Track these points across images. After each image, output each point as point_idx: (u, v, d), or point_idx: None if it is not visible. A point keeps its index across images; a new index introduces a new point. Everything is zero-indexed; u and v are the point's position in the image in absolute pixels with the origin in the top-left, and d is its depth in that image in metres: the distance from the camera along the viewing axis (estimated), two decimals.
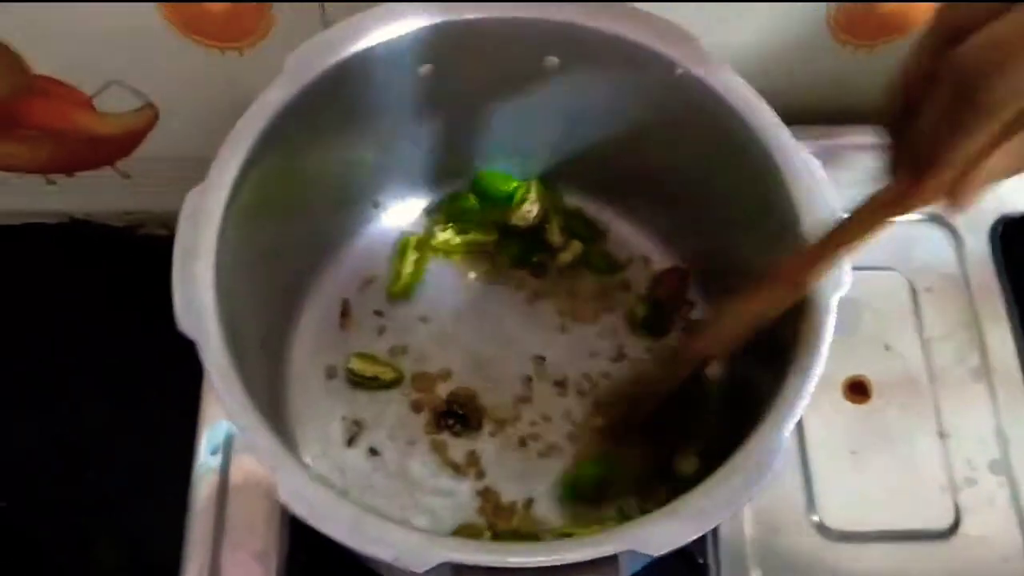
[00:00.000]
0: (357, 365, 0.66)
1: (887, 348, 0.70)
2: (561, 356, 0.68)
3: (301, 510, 0.46)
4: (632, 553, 0.46)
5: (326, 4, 0.67)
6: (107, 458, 0.78)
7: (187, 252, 0.51)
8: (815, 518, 0.64)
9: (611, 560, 0.46)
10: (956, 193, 0.42)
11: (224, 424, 0.66)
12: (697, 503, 0.46)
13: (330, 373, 0.66)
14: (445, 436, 0.65)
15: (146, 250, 0.88)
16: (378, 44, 0.56)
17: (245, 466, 0.65)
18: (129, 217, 0.89)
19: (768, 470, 0.46)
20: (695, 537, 0.46)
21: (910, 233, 0.74)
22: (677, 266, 0.70)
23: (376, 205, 0.70)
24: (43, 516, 0.77)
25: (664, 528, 0.46)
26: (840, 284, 0.51)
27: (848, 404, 0.68)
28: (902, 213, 0.46)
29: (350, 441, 0.65)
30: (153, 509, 0.73)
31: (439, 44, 0.58)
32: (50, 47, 0.70)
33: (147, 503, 0.75)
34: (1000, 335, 0.70)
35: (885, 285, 0.72)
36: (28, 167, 0.81)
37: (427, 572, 0.45)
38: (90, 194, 0.85)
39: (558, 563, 0.45)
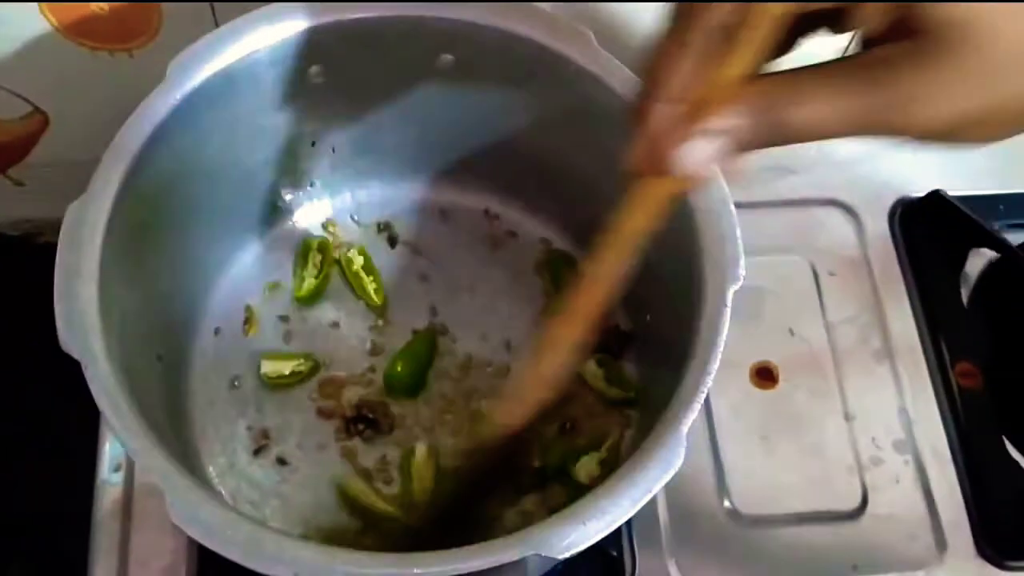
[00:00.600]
0: (269, 368, 0.65)
1: (792, 333, 0.71)
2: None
3: (195, 532, 0.45)
4: (538, 556, 0.46)
5: (216, 4, 0.65)
6: (8, 478, 0.75)
7: (68, 269, 0.49)
8: (727, 503, 0.65)
9: (517, 565, 0.46)
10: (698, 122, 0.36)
11: None
12: (599, 503, 0.46)
13: (234, 383, 0.65)
14: (355, 442, 0.64)
15: (46, 259, 0.85)
16: (263, 46, 0.55)
17: (148, 481, 0.63)
18: (27, 225, 0.86)
19: (670, 467, 0.46)
20: (599, 538, 0.46)
21: (812, 218, 0.75)
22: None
23: (275, 210, 0.68)
24: None
25: (567, 530, 0.46)
26: (736, 278, 0.51)
27: (756, 389, 0.69)
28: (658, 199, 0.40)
29: (257, 452, 0.63)
30: (61, 528, 0.71)
31: (327, 44, 0.57)
32: None
33: (53, 523, 0.73)
34: (901, 317, 0.72)
35: (788, 270, 0.73)
36: None
37: None
38: None
39: (463, 571, 0.45)
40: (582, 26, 0.56)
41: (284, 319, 0.68)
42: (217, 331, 0.66)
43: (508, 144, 0.65)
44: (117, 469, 0.64)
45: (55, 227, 0.86)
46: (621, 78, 0.55)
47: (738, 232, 0.52)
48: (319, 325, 0.68)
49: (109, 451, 0.64)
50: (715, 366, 0.49)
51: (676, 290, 0.54)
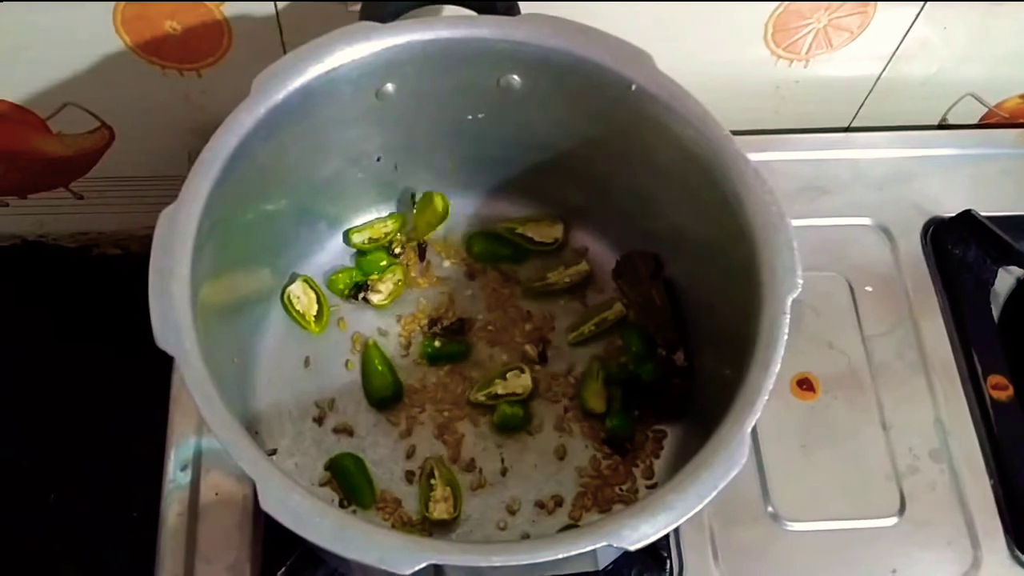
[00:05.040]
0: (358, 238, 0.71)
1: (831, 346, 0.73)
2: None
3: (286, 520, 0.47)
4: (608, 547, 0.48)
5: (283, 27, 0.68)
6: (70, 481, 0.77)
7: (162, 271, 0.52)
8: (770, 509, 0.67)
9: (588, 555, 0.48)
10: None
11: (192, 440, 0.67)
12: (667, 498, 0.49)
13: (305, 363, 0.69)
14: None
15: (100, 270, 0.88)
16: (342, 64, 0.58)
17: (215, 480, 0.66)
18: (82, 238, 0.88)
19: (735, 464, 0.49)
20: (668, 530, 0.48)
21: (847, 236, 0.78)
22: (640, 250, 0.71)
23: (340, 218, 0.71)
24: (9, 540, 0.76)
25: (639, 523, 0.48)
26: (794, 287, 0.53)
27: (797, 400, 0.71)
28: None
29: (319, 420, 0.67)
30: (122, 531, 0.73)
31: (400, 63, 0.60)
32: (4, 70, 0.70)
33: (115, 524, 0.75)
34: (935, 331, 0.74)
35: (826, 286, 0.76)
36: None
37: (411, 574, 0.46)
38: (43, 215, 0.85)
39: (539, 560, 0.47)
40: (643, 48, 0.59)
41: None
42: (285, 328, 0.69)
43: (567, 161, 0.67)
44: (184, 468, 0.66)
45: (110, 239, 0.90)
46: (680, 98, 0.58)
47: (795, 243, 0.55)
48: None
49: (176, 451, 0.66)
50: (776, 369, 0.52)
51: (736, 298, 0.56)
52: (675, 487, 0.49)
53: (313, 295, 0.69)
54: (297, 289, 0.69)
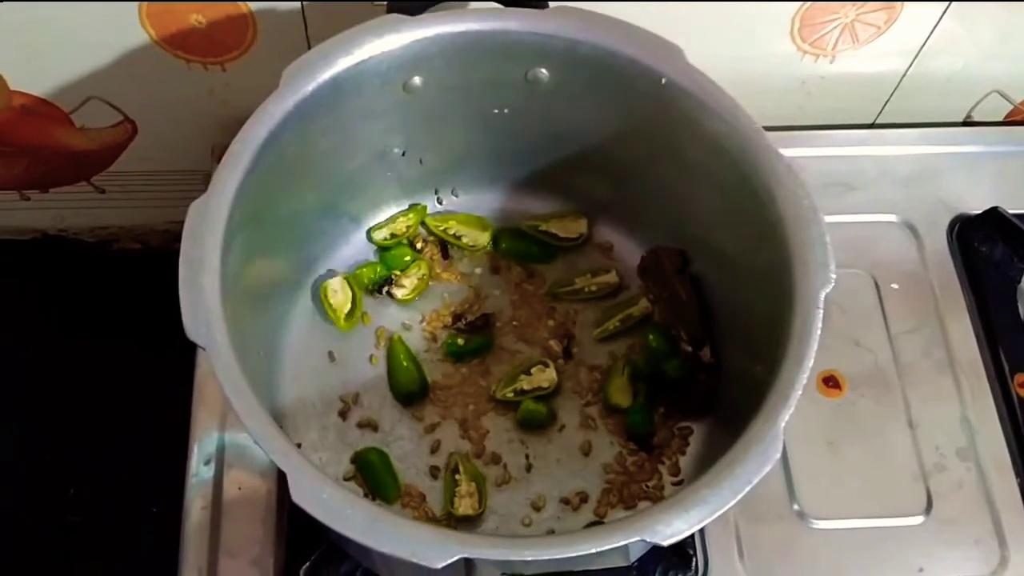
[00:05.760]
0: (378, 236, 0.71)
1: (857, 343, 0.73)
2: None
3: (317, 512, 0.47)
4: (640, 542, 0.47)
5: (308, 23, 0.68)
6: (89, 476, 0.77)
7: (192, 261, 0.51)
8: (796, 507, 0.67)
9: (620, 551, 0.48)
10: None
11: (216, 435, 0.66)
12: (701, 493, 0.48)
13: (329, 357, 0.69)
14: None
15: (120, 265, 0.88)
16: (371, 56, 0.58)
17: (238, 475, 0.66)
18: (102, 232, 0.88)
19: (769, 459, 0.49)
20: (702, 525, 0.48)
21: (873, 233, 0.77)
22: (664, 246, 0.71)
23: (365, 213, 0.71)
24: (29, 536, 0.76)
25: (671, 518, 0.48)
26: (827, 281, 0.53)
27: (823, 398, 0.71)
28: None
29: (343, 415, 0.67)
30: (141, 526, 0.73)
31: (428, 56, 0.59)
32: (30, 64, 0.70)
33: (134, 520, 0.75)
34: (962, 328, 0.74)
35: (852, 284, 0.75)
36: (2, 183, 0.81)
37: (443, 568, 0.46)
38: (63, 210, 0.85)
39: (571, 554, 0.47)
40: (674, 37, 0.58)
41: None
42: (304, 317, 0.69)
43: (594, 156, 0.67)
44: (208, 463, 0.66)
45: (131, 234, 0.90)
46: (711, 92, 0.58)
47: (827, 238, 0.54)
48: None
49: (200, 445, 0.66)
50: (809, 364, 0.51)
51: (766, 294, 0.56)
52: (709, 482, 0.49)
53: (350, 293, 0.69)
54: (336, 284, 0.69)
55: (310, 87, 0.56)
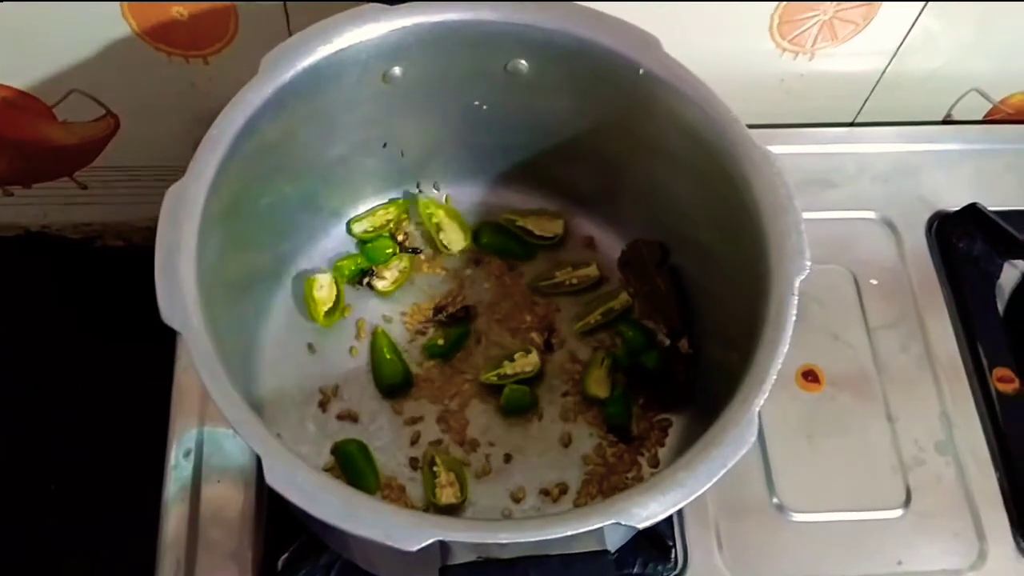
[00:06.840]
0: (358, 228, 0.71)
1: (836, 338, 0.73)
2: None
3: (294, 496, 0.47)
4: (615, 526, 0.47)
5: (290, 15, 0.68)
6: (71, 471, 0.77)
7: (169, 246, 0.51)
8: (775, 500, 0.67)
9: (596, 535, 0.48)
10: None
11: (195, 428, 0.66)
12: (677, 476, 0.48)
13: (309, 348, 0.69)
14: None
15: (103, 262, 0.88)
16: (350, 45, 0.58)
17: (217, 468, 0.65)
18: (86, 229, 0.88)
19: (744, 442, 0.49)
20: (677, 508, 0.48)
21: (853, 229, 0.78)
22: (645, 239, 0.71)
23: (345, 204, 0.71)
24: (9, 533, 0.76)
25: (647, 500, 0.48)
26: (802, 268, 0.53)
27: (802, 392, 0.71)
28: None
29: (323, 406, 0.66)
30: (123, 519, 0.72)
31: (409, 46, 0.60)
32: (11, 56, 0.70)
33: (116, 513, 0.74)
34: (940, 324, 0.74)
35: (831, 279, 0.76)
36: None
37: (418, 551, 0.46)
38: (46, 206, 0.84)
39: (545, 537, 0.47)
40: (652, 32, 0.59)
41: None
42: (284, 307, 0.69)
43: (575, 148, 0.67)
44: (187, 455, 0.66)
45: (114, 231, 0.89)
46: (688, 82, 0.58)
47: (803, 225, 0.54)
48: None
49: (179, 438, 0.66)
50: (784, 349, 0.51)
51: (744, 283, 0.56)
52: (684, 465, 0.49)
53: (335, 292, 0.69)
54: (325, 279, 0.69)
55: (289, 74, 0.57)
